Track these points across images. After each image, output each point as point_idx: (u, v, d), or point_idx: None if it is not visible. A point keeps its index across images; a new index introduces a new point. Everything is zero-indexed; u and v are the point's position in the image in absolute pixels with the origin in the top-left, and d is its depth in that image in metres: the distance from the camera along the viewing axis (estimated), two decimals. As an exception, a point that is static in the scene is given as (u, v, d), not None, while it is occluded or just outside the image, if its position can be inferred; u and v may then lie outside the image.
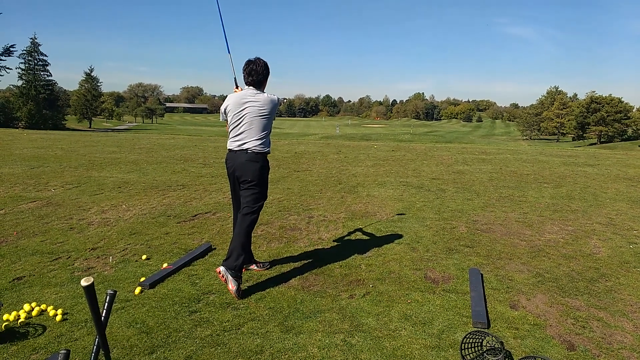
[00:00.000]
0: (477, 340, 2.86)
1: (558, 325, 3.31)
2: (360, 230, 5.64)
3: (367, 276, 4.15)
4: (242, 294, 3.68)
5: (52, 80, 63.19)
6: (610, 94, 74.47)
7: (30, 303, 3.39)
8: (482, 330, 3.11)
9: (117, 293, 3.58)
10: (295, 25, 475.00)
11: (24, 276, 3.99)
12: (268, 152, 3.97)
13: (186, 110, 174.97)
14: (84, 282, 1.93)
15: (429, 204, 7.15)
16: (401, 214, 6.45)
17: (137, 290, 3.69)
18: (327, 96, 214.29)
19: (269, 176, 4.05)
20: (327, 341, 3.01)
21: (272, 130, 4.09)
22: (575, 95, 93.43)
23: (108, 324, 3.03)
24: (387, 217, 6.27)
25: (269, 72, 3.97)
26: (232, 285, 3.63)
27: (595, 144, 68.62)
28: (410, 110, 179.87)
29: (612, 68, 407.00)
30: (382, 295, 3.76)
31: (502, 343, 2.79)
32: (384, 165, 11.96)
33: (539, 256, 4.81)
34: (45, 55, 62.05)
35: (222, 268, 3.68)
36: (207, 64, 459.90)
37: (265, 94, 3.93)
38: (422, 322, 3.30)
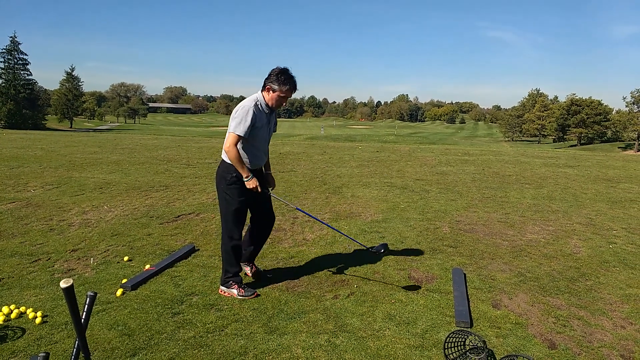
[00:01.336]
0: (460, 340, 2.88)
1: (539, 324, 3.35)
2: (344, 230, 5.64)
3: (351, 276, 4.16)
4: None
5: (32, 79, 62.36)
6: (590, 97, 75.85)
7: (9, 305, 3.33)
8: (465, 329, 3.14)
9: (98, 295, 3.54)
10: (280, 27, 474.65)
11: (3, 278, 3.90)
12: (228, 164, 3.61)
13: (169, 110, 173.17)
14: (63, 284, 1.89)
15: (412, 205, 7.19)
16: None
17: (119, 292, 3.64)
18: (312, 97, 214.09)
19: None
20: (311, 342, 3.01)
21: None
22: (556, 97, 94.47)
23: (89, 327, 2.98)
24: (371, 218, 6.29)
25: (270, 76, 3.55)
26: (235, 294, 3.67)
27: (575, 145, 69.73)
28: (394, 111, 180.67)
29: (592, 71, 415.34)
30: (367, 295, 3.77)
31: (484, 342, 2.81)
32: (369, 166, 12.00)
33: (521, 256, 4.87)
34: (26, 54, 61.34)
35: (221, 286, 3.77)
36: (190, 64, 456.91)
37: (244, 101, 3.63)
38: (405, 322, 3.32)
